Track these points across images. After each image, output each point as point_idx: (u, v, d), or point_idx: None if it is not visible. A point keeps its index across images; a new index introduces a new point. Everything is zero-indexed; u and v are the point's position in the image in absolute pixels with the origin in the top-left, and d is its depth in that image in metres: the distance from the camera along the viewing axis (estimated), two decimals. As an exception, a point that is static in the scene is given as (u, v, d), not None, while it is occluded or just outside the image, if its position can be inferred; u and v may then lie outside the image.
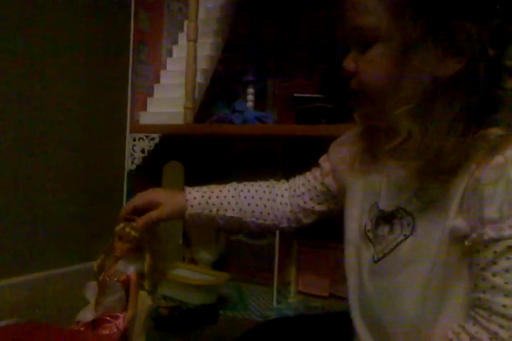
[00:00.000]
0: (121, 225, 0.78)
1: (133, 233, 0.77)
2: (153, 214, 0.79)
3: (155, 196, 0.81)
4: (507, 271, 0.49)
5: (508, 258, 0.49)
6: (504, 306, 0.49)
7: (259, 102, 1.49)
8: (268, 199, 0.81)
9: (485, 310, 0.50)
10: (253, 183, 0.84)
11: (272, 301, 1.38)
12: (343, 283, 1.30)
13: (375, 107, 0.61)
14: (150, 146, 1.30)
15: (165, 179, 1.48)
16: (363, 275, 0.64)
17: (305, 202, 0.79)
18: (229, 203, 0.80)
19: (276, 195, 0.82)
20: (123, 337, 0.74)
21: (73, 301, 0.83)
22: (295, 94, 1.34)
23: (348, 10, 0.58)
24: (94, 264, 0.80)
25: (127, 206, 0.81)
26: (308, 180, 0.80)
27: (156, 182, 1.42)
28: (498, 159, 0.51)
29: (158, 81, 1.40)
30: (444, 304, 0.55)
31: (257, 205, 0.81)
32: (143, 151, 1.31)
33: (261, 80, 1.51)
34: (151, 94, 1.39)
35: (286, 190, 0.83)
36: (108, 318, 0.75)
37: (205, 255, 1.53)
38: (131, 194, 1.35)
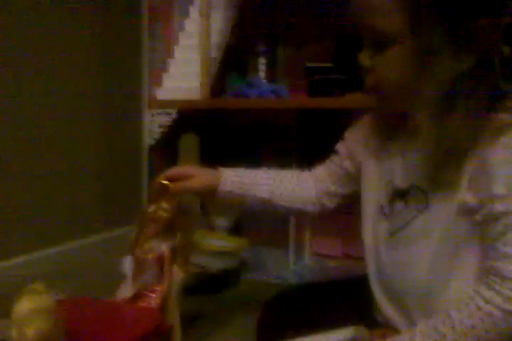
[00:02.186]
0: (153, 207, 0.82)
1: (165, 214, 0.81)
2: (188, 183, 0.82)
3: (191, 168, 0.85)
4: None
5: None
6: None
7: (271, 72, 1.50)
8: (296, 184, 0.85)
9: (498, 276, 0.55)
10: (281, 171, 0.88)
11: (289, 263, 1.45)
12: (354, 244, 1.38)
13: (391, 103, 0.65)
14: (168, 121, 1.33)
15: (181, 151, 1.51)
16: (379, 247, 0.70)
17: (328, 187, 0.83)
18: (261, 184, 0.84)
19: (303, 181, 0.86)
20: (161, 308, 0.81)
21: (101, 270, 0.86)
22: (307, 64, 1.34)
23: (364, 10, 0.60)
24: (131, 237, 0.84)
25: (164, 173, 0.84)
26: (328, 166, 0.84)
27: (174, 156, 1.45)
28: (504, 140, 0.56)
29: (172, 56, 1.42)
30: (453, 271, 0.61)
31: (285, 189, 0.84)
32: (161, 126, 1.34)
33: (272, 50, 1.51)
34: (165, 70, 1.40)
35: (310, 176, 0.87)
36: (146, 293, 0.81)
37: (222, 221, 1.59)
38: (151, 168, 1.39)
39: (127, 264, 0.84)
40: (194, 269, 1.30)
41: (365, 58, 0.63)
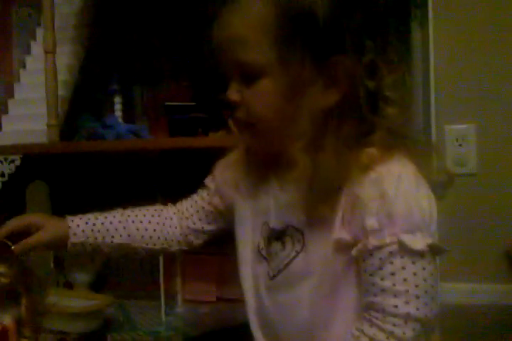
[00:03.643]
0: None
1: (3, 280, 0.70)
2: (32, 240, 0.74)
3: (34, 219, 0.76)
4: (393, 274, 0.55)
5: (391, 263, 0.55)
6: (395, 306, 0.54)
7: (128, 112, 1.44)
8: (157, 223, 0.80)
9: (378, 312, 0.55)
10: (140, 208, 0.82)
11: (161, 315, 1.35)
12: (228, 286, 1.34)
13: (261, 137, 0.63)
14: (10, 169, 1.18)
15: (29, 201, 1.36)
16: (260, 290, 0.67)
17: (194, 223, 0.80)
18: (116, 229, 0.78)
19: (165, 218, 0.81)
20: None
21: None
22: (166, 103, 1.32)
23: (229, 43, 0.59)
24: None
25: (3, 228, 0.74)
26: (196, 201, 0.81)
27: (20, 206, 1.30)
28: (372, 175, 0.57)
29: (12, 96, 1.28)
30: (334, 310, 0.60)
31: (146, 230, 0.79)
32: (3, 175, 1.18)
33: (127, 88, 1.45)
34: (5, 112, 1.26)
35: (174, 213, 0.82)
36: None
37: (81, 276, 1.45)
38: (-8, 222, 1.21)
39: None
40: (52, 337, 1.15)
41: (233, 92, 0.62)
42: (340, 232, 0.58)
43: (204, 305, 1.38)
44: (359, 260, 0.58)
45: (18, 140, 1.21)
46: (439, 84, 1.36)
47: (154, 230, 0.79)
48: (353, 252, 0.57)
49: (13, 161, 1.18)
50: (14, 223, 0.75)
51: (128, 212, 0.81)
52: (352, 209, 0.57)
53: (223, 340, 0.79)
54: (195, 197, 0.81)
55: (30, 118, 1.23)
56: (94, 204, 1.39)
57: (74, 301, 1.29)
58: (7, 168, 1.17)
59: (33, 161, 1.25)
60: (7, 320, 0.69)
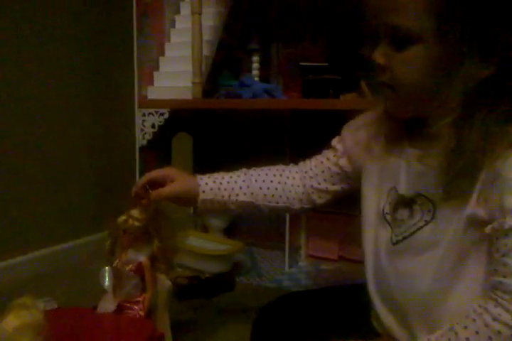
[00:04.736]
0: (123, 217, 0.79)
1: (136, 224, 0.78)
2: (168, 189, 0.80)
3: (170, 172, 0.83)
4: None
5: None
6: None
7: (264, 70, 1.47)
8: (279, 182, 0.82)
9: (506, 293, 0.53)
10: (263, 168, 0.85)
11: (284, 265, 1.43)
12: (351, 246, 1.36)
13: (402, 103, 0.62)
14: (160, 121, 1.30)
15: (174, 150, 1.49)
16: (381, 255, 0.67)
17: (319, 183, 0.80)
18: (240, 188, 0.81)
19: (287, 177, 0.83)
20: (147, 318, 0.78)
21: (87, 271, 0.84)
22: (301, 63, 1.32)
23: (385, 7, 0.57)
24: (106, 247, 0.82)
25: (142, 180, 0.82)
26: (321, 162, 0.81)
27: (167, 156, 1.43)
28: None
29: (163, 53, 1.38)
30: (456, 283, 0.59)
31: (268, 188, 0.81)
32: (153, 126, 1.31)
33: (265, 48, 1.49)
34: (156, 68, 1.37)
35: (296, 172, 0.83)
36: (128, 304, 0.78)
37: (217, 222, 1.57)
38: (143, 168, 1.36)
39: (105, 277, 0.82)
40: (188, 273, 1.29)
41: (380, 55, 0.60)
42: (475, 208, 0.56)
43: (326, 262, 1.43)
44: (492, 238, 0.55)
45: (167, 95, 1.31)
46: None
47: (276, 189, 0.81)
48: (487, 230, 0.55)
49: (162, 114, 1.30)
50: (153, 174, 0.82)
51: (251, 171, 0.84)
52: (492, 185, 0.54)
53: (342, 297, 0.80)
54: (320, 157, 0.81)
55: (178, 75, 1.32)
56: (230, 156, 1.49)
57: (209, 244, 1.43)
58: (157, 120, 1.30)
59: (179, 115, 1.36)
60: (143, 257, 0.80)
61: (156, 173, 0.82)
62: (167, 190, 0.80)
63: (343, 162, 0.78)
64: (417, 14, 0.55)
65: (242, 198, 0.81)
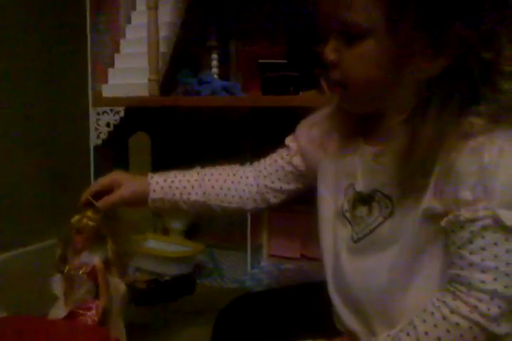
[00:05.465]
0: (77, 217, 0.77)
1: (90, 223, 0.77)
2: (115, 196, 0.79)
3: (116, 177, 0.81)
4: (483, 248, 0.52)
5: (483, 237, 0.52)
6: (482, 282, 0.52)
7: (223, 68, 1.45)
8: (232, 182, 0.81)
9: (463, 285, 0.53)
10: (217, 167, 0.84)
11: (247, 266, 1.41)
12: (313, 245, 1.35)
13: (354, 99, 0.61)
14: (115, 120, 1.26)
15: (132, 151, 1.46)
16: (341, 254, 0.67)
17: (273, 182, 0.79)
18: (192, 187, 0.80)
19: (241, 177, 0.82)
20: (101, 324, 0.75)
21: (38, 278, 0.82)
22: (260, 61, 1.31)
23: (334, 0, 0.56)
24: (56, 253, 0.80)
25: (88, 190, 0.80)
26: (275, 161, 0.80)
27: (123, 155, 1.39)
28: (472, 144, 0.53)
29: (118, 50, 1.35)
30: (414, 278, 0.59)
31: (221, 188, 0.80)
32: (108, 125, 1.27)
33: (224, 45, 1.47)
34: (111, 65, 1.33)
35: (250, 171, 0.82)
36: (81, 311, 0.76)
37: (177, 224, 1.54)
38: (99, 169, 1.32)
39: (56, 284, 0.78)
40: (146, 277, 1.25)
41: (331, 51, 0.59)
42: (431, 201, 0.56)
43: (288, 261, 1.42)
44: (448, 231, 0.55)
45: (122, 93, 1.27)
46: None
47: (229, 188, 0.80)
48: (443, 223, 0.55)
49: (117, 112, 1.26)
50: (98, 183, 0.81)
51: (205, 170, 0.83)
52: (446, 178, 0.54)
53: (303, 296, 0.79)
54: (274, 156, 0.80)
55: (134, 72, 1.28)
56: (189, 155, 1.46)
57: (168, 246, 1.40)
58: (112, 119, 1.26)
59: (136, 113, 1.33)
60: (96, 261, 0.77)
61: (101, 181, 0.82)
62: (113, 197, 0.79)
63: (297, 160, 0.77)
64: (367, 6, 0.54)
65: (194, 197, 0.80)
